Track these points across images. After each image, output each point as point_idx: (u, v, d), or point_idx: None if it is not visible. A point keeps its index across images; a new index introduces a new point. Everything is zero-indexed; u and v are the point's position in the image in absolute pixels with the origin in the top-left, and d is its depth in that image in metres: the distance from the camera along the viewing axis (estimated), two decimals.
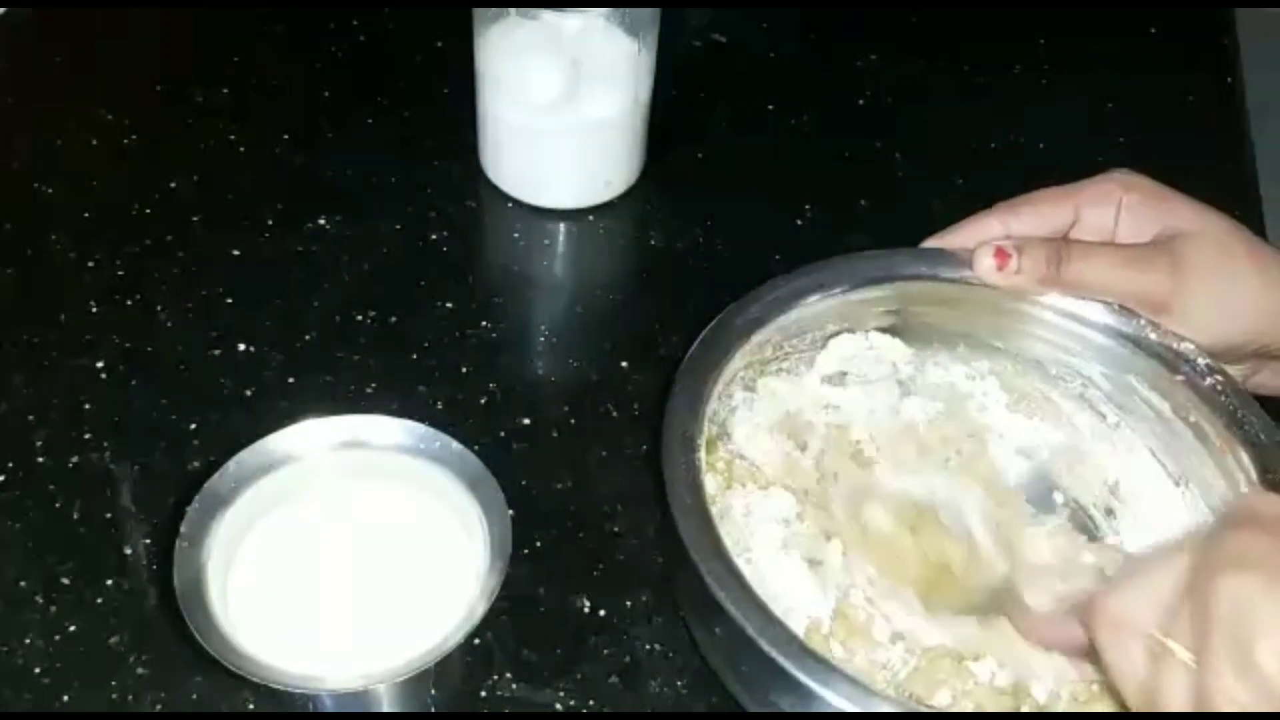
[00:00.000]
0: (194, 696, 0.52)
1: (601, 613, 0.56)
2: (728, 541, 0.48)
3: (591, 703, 0.53)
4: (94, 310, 0.65)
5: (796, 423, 0.58)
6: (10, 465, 0.58)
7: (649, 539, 0.58)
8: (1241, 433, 0.51)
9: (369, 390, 0.63)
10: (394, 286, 0.68)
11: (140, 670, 0.52)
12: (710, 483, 0.53)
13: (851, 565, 0.53)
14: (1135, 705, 0.43)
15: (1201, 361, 0.53)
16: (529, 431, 0.62)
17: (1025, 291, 0.55)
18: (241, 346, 0.64)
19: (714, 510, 0.49)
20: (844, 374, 0.59)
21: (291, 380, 0.63)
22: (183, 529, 0.48)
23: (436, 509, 0.52)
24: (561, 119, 0.68)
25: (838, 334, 0.58)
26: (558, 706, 0.53)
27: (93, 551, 0.56)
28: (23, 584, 0.55)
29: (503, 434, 0.61)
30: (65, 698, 0.51)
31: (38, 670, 0.52)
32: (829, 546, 0.54)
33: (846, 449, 0.58)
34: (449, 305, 0.67)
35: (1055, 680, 0.50)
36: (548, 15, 0.64)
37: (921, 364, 0.59)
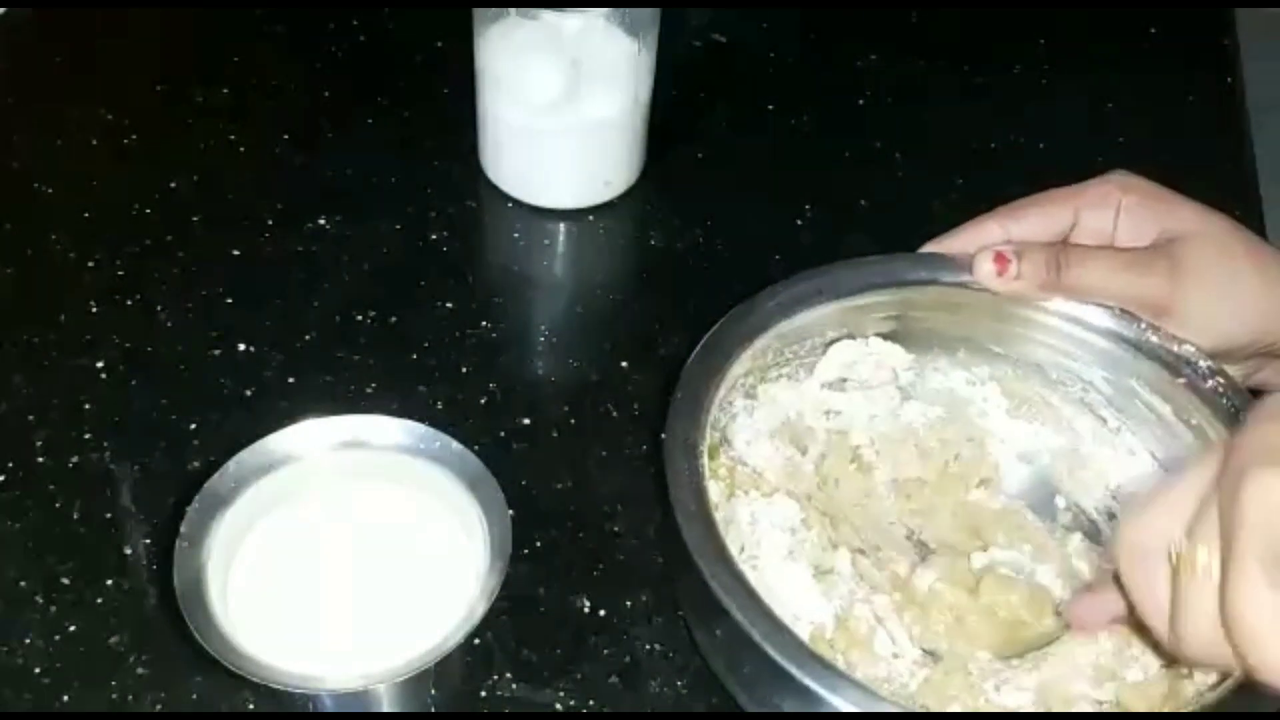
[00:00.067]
0: (194, 696, 0.52)
1: (601, 613, 0.56)
2: (734, 548, 0.48)
3: (591, 703, 0.53)
4: (94, 310, 0.65)
5: (797, 428, 0.58)
6: (10, 465, 0.58)
7: (649, 539, 0.58)
8: None
9: (369, 390, 0.63)
10: (394, 286, 0.68)
11: (140, 670, 0.52)
12: (713, 490, 0.53)
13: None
14: (1163, 639, 0.43)
15: (1203, 364, 0.53)
16: (529, 431, 0.62)
17: (1025, 297, 0.54)
18: (241, 346, 0.64)
19: (719, 517, 0.49)
20: (844, 380, 0.59)
21: (291, 380, 0.63)
22: (183, 529, 0.48)
23: (436, 509, 0.52)
24: (561, 119, 0.68)
25: (838, 340, 0.58)
26: (558, 706, 0.53)
27: (93, 551, 0.56)
28: (23, 584, 0.55)
29: (503, 434, 0.61)
30: (65, 698, 0.51)
31: (38, 670, 0.52)
32: (837, 556, 0.53)
33: (847, 454, 0.58)
34: (449, 305, 0.67)
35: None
36: (548, 15, 0.64)
37: (922, 369, 0.59)
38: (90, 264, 0.67)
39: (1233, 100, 0.83)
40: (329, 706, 0.50)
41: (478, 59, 0.68)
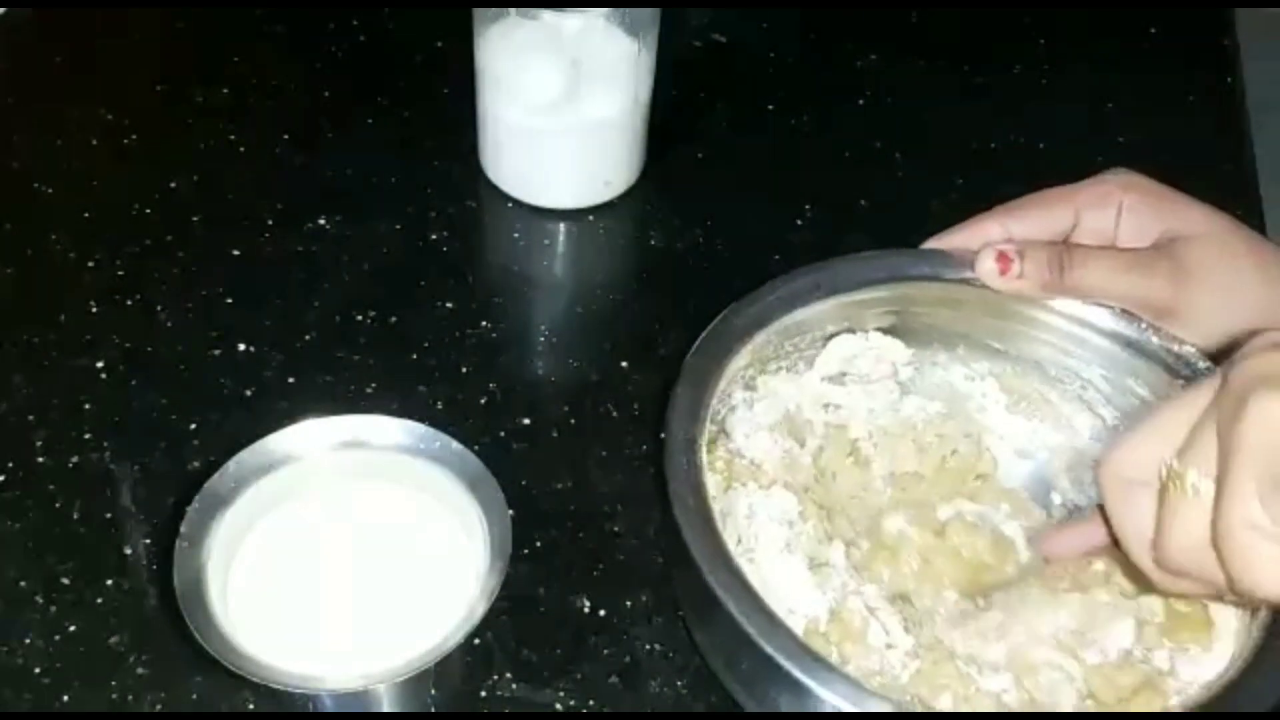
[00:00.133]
0: (194, 696, 0.52)
1: (601, 613, 0.56)
2: (731, 541, 0.48)
3: (591, 703, 0.53)
4: (94, 310, 0.65)
5: (796, 421, 0.58)
6: (10, 465, 0.58)
7: (649, 539, 0.58)
8: None
9: (369, 390, 0.63)
10: (394, 286, 0.68)
11: (140, 670, 0.52)
12: (711, 482, 0.53)
13: (866, 574, 0.54)
14: (1146, 569, 0.43)
15: (1201, 365, 0.53)
16: (529, 431, 0.62)
17: (1026, 296, 0.55)
18: (241, 346, 0.64)
19: (717, 510, 0.49)
20: (844, 374, 0.59)
21: (291, 380, 0.63)
22: (183, 529, 0.48)
23: (436, 509, 0.52)
24: (561, 119, 0.68)
25: (838, 334, 0.58)
26: (558, 706, 0.53)
27: (93, 551, 0.56)
28: (23, 584, 0.55)
29: (503, 434, 0.61)
30: (65, 698, 0.51)
31: (38, 670, 0.52)
32: (832, 548, 0.54)
33: (845, 447, 0.58)
34: (449, 305, 0.67)
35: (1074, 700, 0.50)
36: (548, 15, 0.64)
37: (921, 365, 0.59)
38: (90, 264, 0.67)
39: (1233, 100, 0.83)
40: (329, 706, 0.50)
41: (478, 59, 0.68)
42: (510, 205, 0.72)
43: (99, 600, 0.54)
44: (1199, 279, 0.52)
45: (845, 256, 0.56)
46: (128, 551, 0.56)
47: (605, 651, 0.54)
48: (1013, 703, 0.49)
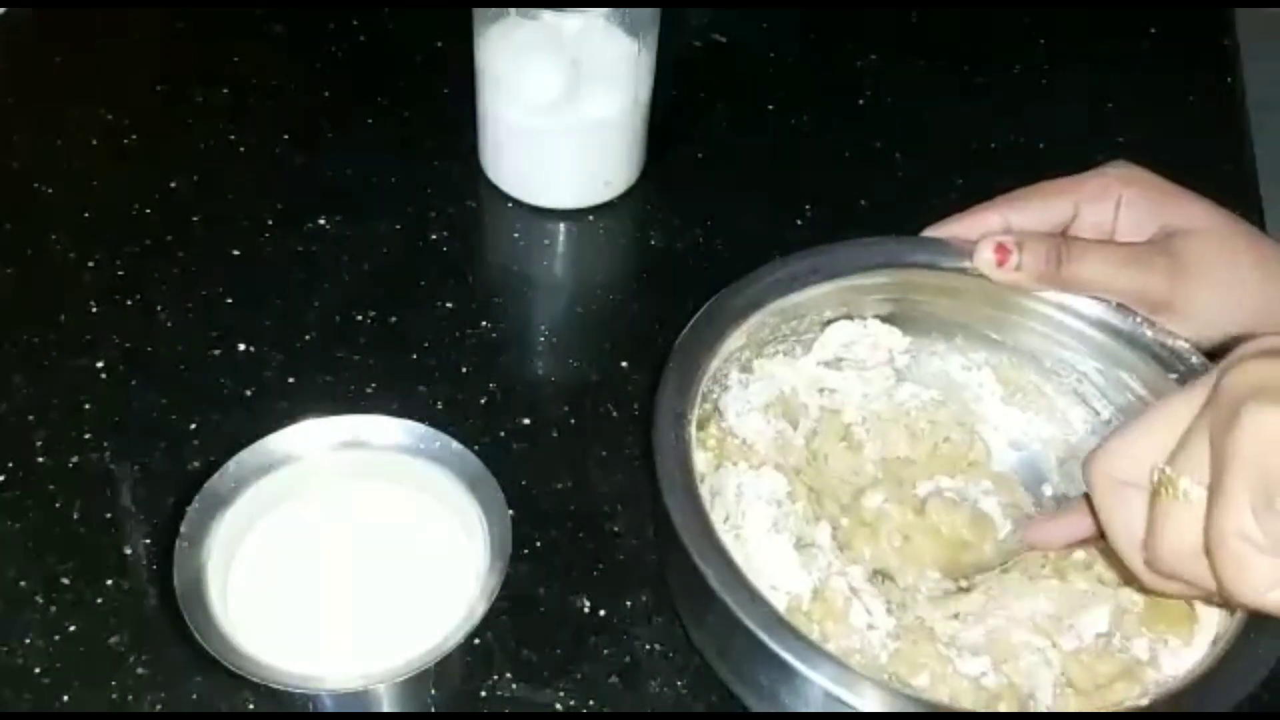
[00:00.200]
0: (194, 696, 0.52)
1: (601, 613, 0.56)
2: (719, 519, 0.49)
3: (591, 703, 0.53)
4: (94, 310, 0.65)
5: (790, 403, 0.58)
6: (10, 465, 0.58)
7: (649, 539, 0.58)
8: None
9: (369, 390, 0.63)
10: (394, 286, 0.68)
11: (140, 670, 0.52)
12: (701, 460, 0.53)
13: (848, 554, 0.54)
14: (1136, 570, 0.44)
15: (1195, 360, 0.53)
16: (529, 431, 0.62)
17: (1024, 287, 0.55)
18: (241, 346, 0.64)
19: (707, 488, 0.49)
20: (840, 359, 0.59)
21: (291, 380, 0.63)
22: (183, 529, 0.48)
23: (436, 509, 0.52)
24: (561, 119, 0.68)
25: (836, 320, 0.58)
26: (558, 706, 0.53)
27: (93, 551, 0.56)
28: (23, 584, 0.55)
29: (503, 434, 0.61)
30: (65, 698, 0.51)
31: (38, 670, 0.52)
32: (818, 529, 0.54)
33: (838, 431, 0.58)
34: (449, 305, 0.67)
35: (1051, 691, 0.50)
36: (548, 15, 0.64)
37: (918, 353, 0.60)
38: (90, 264, 0.67)
39: (1233, 100, 0.83)
40: (329, 706, 0.50)
41: (478, 59, 0.68)
42: (510, 205, 0.72)
43: (99, 600, 0.54)
44: (1197, 274, 0.52)
45: (844, 242, 0.57)
46: (128, 551, 0.56)
47: (605, 651, 0.54)
48: (991, 685, 0.50)
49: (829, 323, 0.58)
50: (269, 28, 0.81)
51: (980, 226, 0.55)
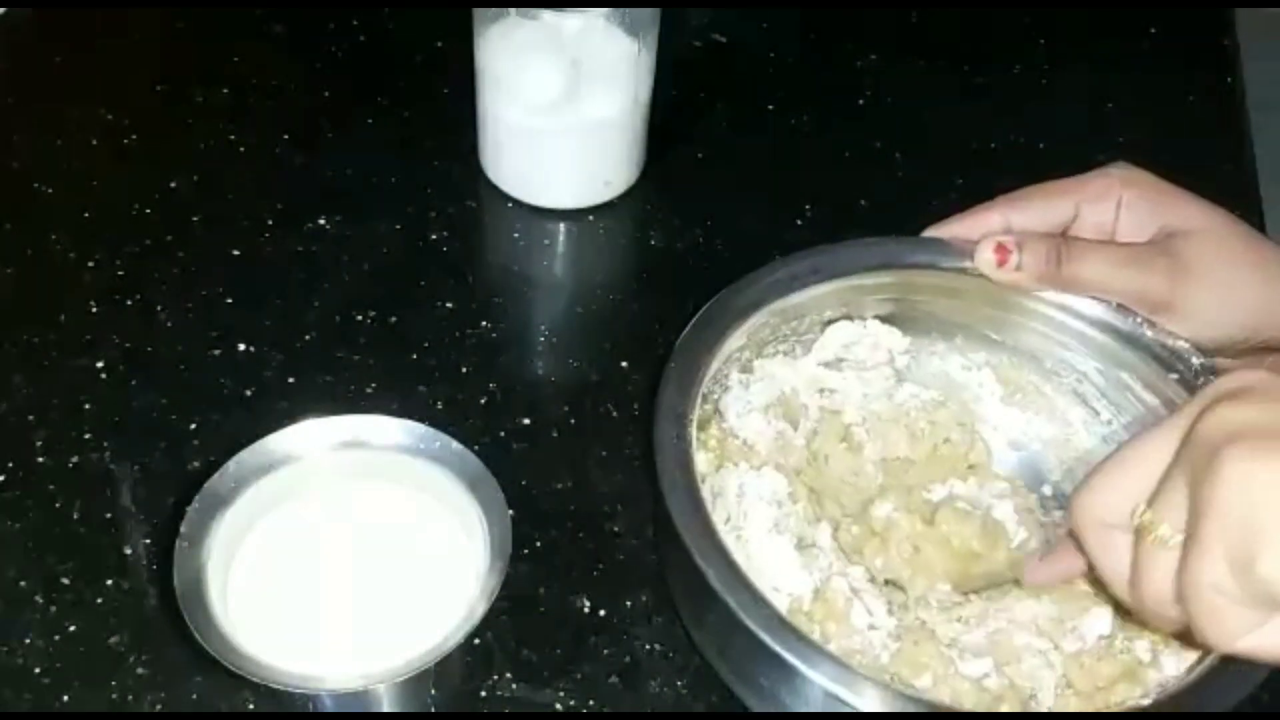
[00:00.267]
0: (194, 696, 0.52)
1: (601, 613, 0.56)
2: (720, 519, 0.49)
3: (591, 703, 0.53)
4: (94, 310, 0.65)
5: (791, 404, 0.58)
6: (10, 465, 0.58)
7: (649, 539, 0.58)
8: None
9: (369, 390, 0.63)
10: (394, 286, 0.68)
11: (140, 670, 0.52)
12: (703, 461, 0.53)
13: (855, 559, 0.54)
14: (1124, 599, 0.44)
15: (1195, 361, 0.53)
16: (529, 431, 0.62)
17: (1024, 287, 0.55)
18: (241, 346, 0.64)
19: (708, 489, 0.49)
20: (841, 360, 0.59)
21: (291, 380, 0.63)
22: (183, 529, 0.48)
23: (436, 509, 0.52)
24: (561, 119, 0.68)
25: (836, 320, 0.58)
26: (558, 706, 0.53)
27: (93, 551, 0.56)
28: (23, 584, 0.55)
29: (503, 434, 0.61)
30: (65, 698, 0.51)
31: (38, 670, 0.52)
32: (819, 529, 0.54)
33: (838, 431, 0.58)
34: (449, 305, 0.67)
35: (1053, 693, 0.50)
36: (548, 15, 0.64)
37: (918, 353, 0.60)
38: (90, 264, 0.67)
39: (1233, 100, 0.83)
40: (329, 706, 0.50)
41: (478, 59, 0.68)
42: (510, 205, 0.72)
43: (99, 600, 0.54)
44: (1196, 275, 0.52)
45: (844, 242, 0.57)
46: (128, 551, 0.56)
47: (605, 651, 0.54)
48: (993, 686, 0.50)
49: (829, 323, 0.58)
50: (269, 28, 0.81)
51: (981, 227, 0.55)
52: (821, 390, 0.59)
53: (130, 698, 0.52)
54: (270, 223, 0.70)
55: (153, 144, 0.74)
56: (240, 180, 0.72)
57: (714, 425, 0.56)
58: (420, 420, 0.52)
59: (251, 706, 0.52)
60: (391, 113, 0.77)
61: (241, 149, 0.74)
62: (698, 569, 0.46)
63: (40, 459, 0.59)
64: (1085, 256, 0.53)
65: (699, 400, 0.52)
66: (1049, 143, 0.78)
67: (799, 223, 0.72)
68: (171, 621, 0.52)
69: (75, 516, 0.57)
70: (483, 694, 0.53)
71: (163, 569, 0.54)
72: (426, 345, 0.65)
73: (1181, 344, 0.53)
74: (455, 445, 0.51)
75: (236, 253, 0.68)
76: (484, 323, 0.66)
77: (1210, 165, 0.76)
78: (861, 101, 0.81)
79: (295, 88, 0.78)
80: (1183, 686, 0.47)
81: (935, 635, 0.51)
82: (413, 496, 0.52)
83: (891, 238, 0.57)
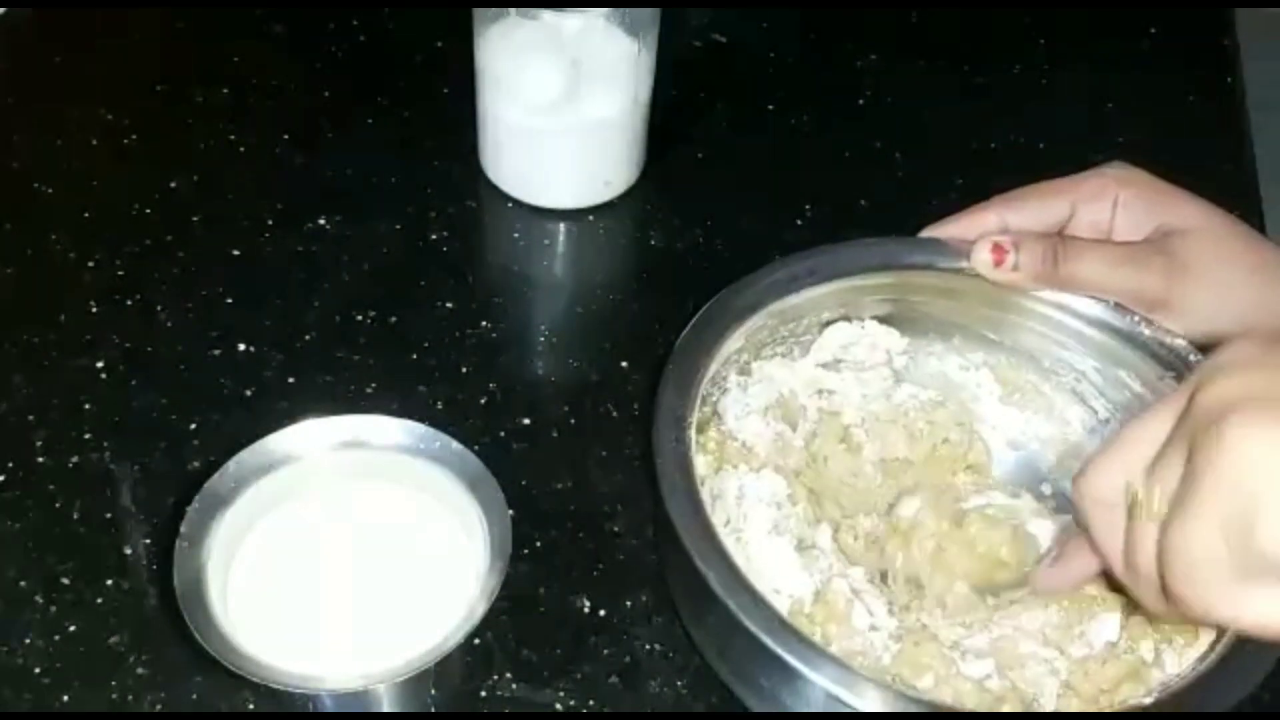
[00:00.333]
0: (194, 696, 0.52)
1: (601, 613, 0.56)
2: (719, 522, 0.49)
3: (591, 703, 0.53)
4: (94, 310, 0.65)
5: (790, 405, 0.58)
6: (10, 465, 0.58)
7: (649, 539, 0.58)
8: None
9: (369, 390, 0.63)
10: (394, 286, 0.68)
11: (140, 670, 0.52)
12: (702, 463, 0.53)
13: (875, 557, 0.54)
14: (1137, 593, 0.43)
15: (1193, 358, 0.53)
16: (529, 431, 0.62)
17: (1021, 287, 0.55)
18: (241, 346, 0.64)
19: (707, 491, 0.49)
20: (839, 361, 0.60)
21: (291, 380, 0.63)
22: (183, 529, 0.48)
23: (436, 509, 0.52)
24: (561, 119, 0.68)
25: (834, 321, 0.58)
26: (558, 706, 0.53)
27: (93, 551, 0.56)
28: (23, 584, 0.55)
29: (503, 434, 0.61)
30: (65, 698, 0.51)
31: (38, 670, 0.52)
32: (819, 531, 0.54)
33: (837, 432, 0.58)
34: (449, 305, 0.67)
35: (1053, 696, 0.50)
36: (548, 15, 0.64)
37: (916, 353, 0.60)
38: (90, 264, 0.67)
39: (1233, 100, 0.83)
40: (329, 706, 0.50)
41: (478, 59, 0.68)
42: (510, 205, 0.72)
43: (99, 600, 0.54)
44: (1193, 274, 0.52)
45: (842, 243, 0.57)
46: (128, 551, 0.56)
47: (605, 651, 0.54)
48: (995, 688, 0.50)
49: (827, 324, 0.58)
50: (269, 28, 0.81)
51: (977, 227, 0.55)
52: (820, 391, 0.59)
53: (130, 698, 0.52)
54: (270, 223, 0.70)
55: (153, 144, 0.74)
56: (240, 180, 0.72)
57: (713, 428, 0.56)
58: (420, 420, 0.52)
59: (251, 706, 0.52)
60: (391, 113, 0.77)
61: (241, 149, 0.74)
62: (699, 572, 0.46)
63: (40, 459, 0.59)
64: (1082, 255, 0.53)
65: (698, 403, 0.52)
66: (1049, 143, 0.78)
67: (799, 223, 0.72)
68: (171, 621, 0.52)
69: (75, 516, 0.57)
70: (483, 694, 0.53)
71: (163, 569, 0.54)
72: (426, 345, 0.65)
73: (1179, 342, 0.53)
74: (455, 445, 0.51)
75: (236, 253, 0.68)
76: (484, 323, 0.66)
77: (1210, 165, 0.76)
78: (861, 101, 0.81)
79: (295, 88, 0.78)
80: (1184, 685, 0.47)
81: (937, 637, 0.51)
82: (413, 496, 0.53)
83: (889, 238, 0.57)
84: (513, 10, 0.65)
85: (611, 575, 0.57)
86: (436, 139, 0.75)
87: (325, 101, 0.77)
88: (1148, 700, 0.48)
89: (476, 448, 0.51)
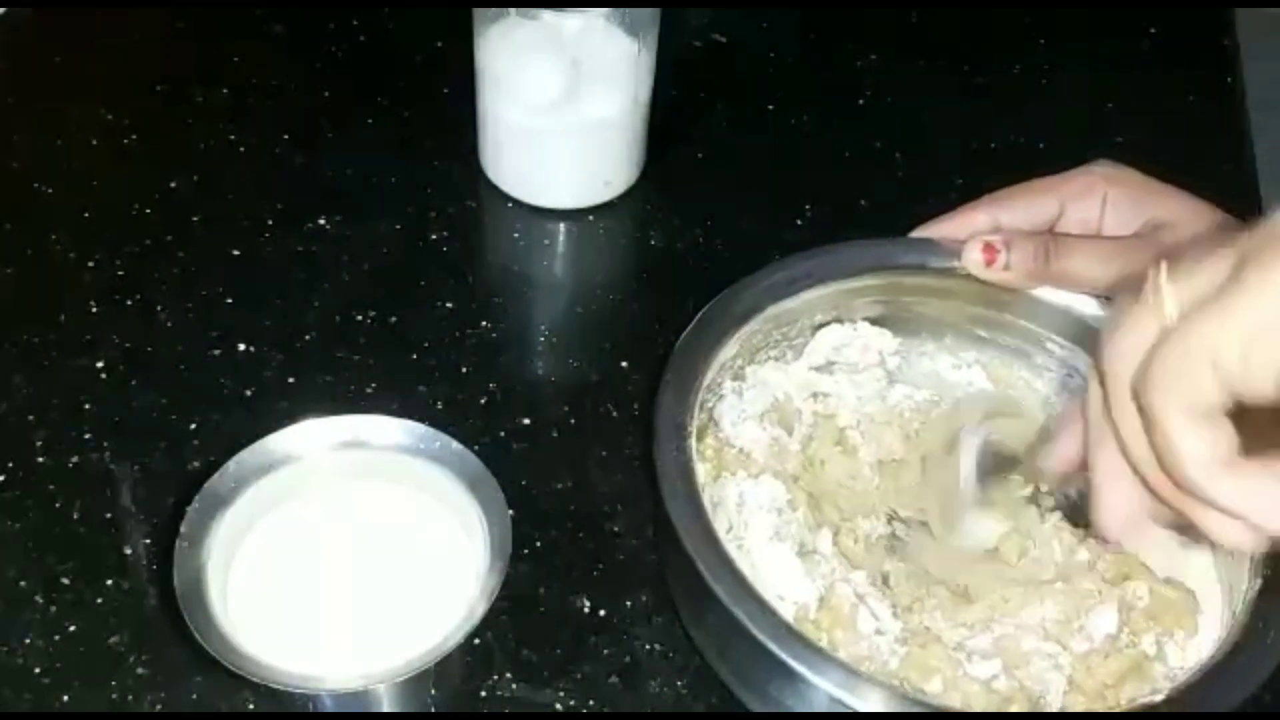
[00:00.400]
0: (194, 696, 0.52)
1: (601, 613, 0.56)
2: (722, 530, 0.49)
3: (591, 703, 0.53)
4: (94, 310, 0.65)
5: (784, 409, 0.58)
6: (10, 465, 0.58)
7: (649, 539, 0.58)
8: None
9: (369, 390, 0.63)
10: (394, 286, 0.68)
11: (140, 670, 0.52)
12: (700, 471, 0.53)
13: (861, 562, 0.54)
14: (1151, 481, 0.39)
15: None
16: (529, 431, 0.62)
17: (1013, 285, 0.55)
18: (241, 346, 0.64)
19: (707, 499, 0.49)
20: (832, 363, 0.60)
21: (291, 380, 0.63)
22: (183, 529, 0.48)
23: (436, 509, 0.52)
24: (561, 119, 0.68)
25: (826, 324, 0.58)
26: (558, 706, 0.53)
27: (93, 551, 0.56)
28: (23, 584, 0.55)
29: (503, 434, 0.61)
30: (65, 698, 0.51)
31: (38, 670, 0.52)
32: (819, 535, 0.54)
33: (833, 435, 0.58)
34: (449, 305, 0.67)
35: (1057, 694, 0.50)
36: (548, 15, 0.64)
37: (908, 354, 0.60)
38: (90, 264, 0.67)
39: (1233, 100, 0.83)
40: (329, 706, 0.50)
41: (478, 59, 0.68)
42: (510, 205, 0.72)
43: (99, 600, 0.54)
44: None
45: (833, 245, 0.57)
46: (128, 551, 0.56)
47: (605, 651, 0.54)
48: (1002, 688, 0.50)
49: (819, 327, 0.59)
50: (269, 28, 0.81)
51: (968, 226, 0.56)
52: (814, 395, 0.59)
53: (130, 698, 0.52)
54: (270, 223, 0.70)
55: (153, 144, 0.74)
56: (240, 180, 0.72)
57: (710, 435, 0.56)
58: (420, 420, 0.52)
59: (251, 706, 0.52)
60: (391, 113, 0.77)
61: (241, 149, 0.74)
62: (704, 580, 0.46)
63: (40, 459, 0.59)
64: (1073, 252, 0.54)
65: (696, 411, 0.52)
66: (1049, 143, 0.78)
67: (799, 223, 0.72)
68: (171, 621, 0.52)
69: (75, 516, 0.57)
70: (483, 694, 0.53)
71: (163, 569, 0.54)
72: (426, 345, 0.65)
73: None
74: (455, 445, 0.51)
75: (236, 253, 0.68)
76: (484, 323, 0.66)
77: (1210, 165, 0.76)
78: (861, 101, 0.81)
79: (295, 88, 0.78)
80: (1188, 683, 0.47)
81: (941, 639, 0.51)
82: (413, 496, 0.53)
83: (880, 240, 0.57)
84: (513, 10, 0.65)
85: (611, 575, 0.57)
86: (436, 139, 0.75)
87: (325, 101, 0.77)
88: (1158, 697, 0.48)
89: (476, 448, 0.51)
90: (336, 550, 0.51)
